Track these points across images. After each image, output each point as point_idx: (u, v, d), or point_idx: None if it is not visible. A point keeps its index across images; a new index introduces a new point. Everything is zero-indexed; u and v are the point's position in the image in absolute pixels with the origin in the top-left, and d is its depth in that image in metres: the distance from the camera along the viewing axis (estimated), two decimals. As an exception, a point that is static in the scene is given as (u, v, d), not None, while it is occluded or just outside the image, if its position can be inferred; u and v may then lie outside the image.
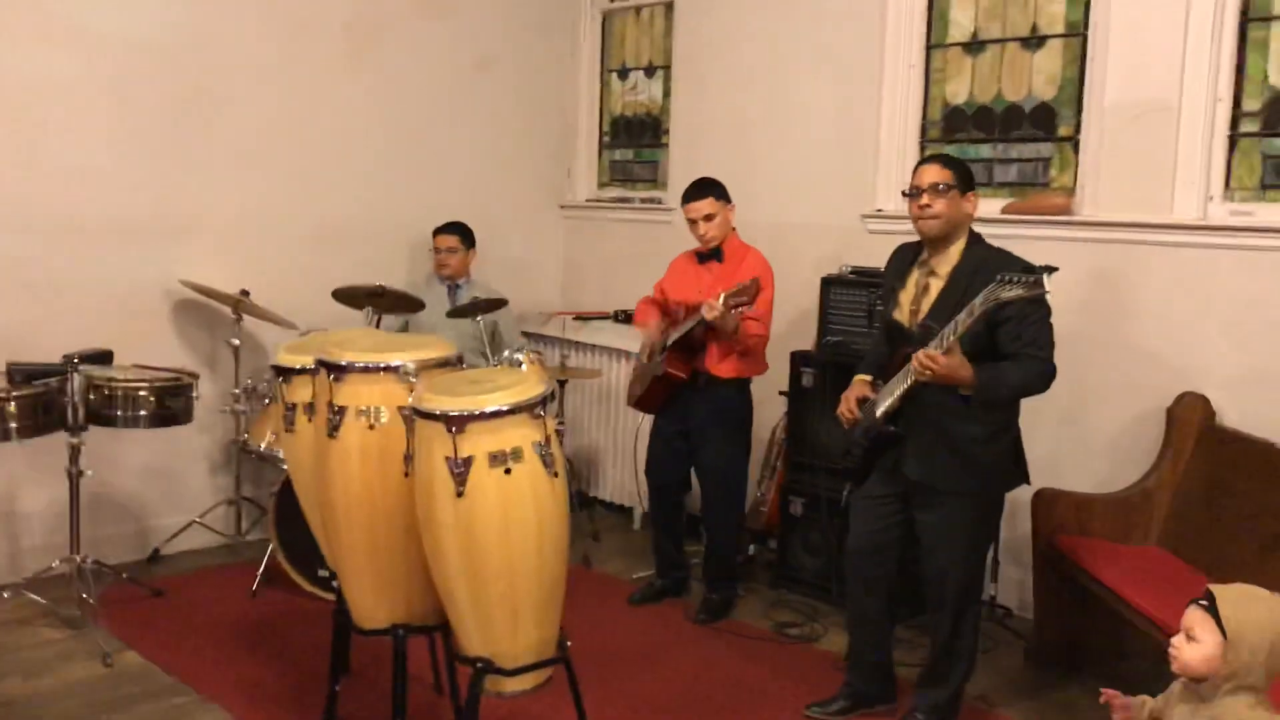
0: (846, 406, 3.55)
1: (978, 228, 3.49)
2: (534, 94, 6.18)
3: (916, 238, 3.54)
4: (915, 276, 3.48)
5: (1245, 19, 4.02)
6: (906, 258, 3.56)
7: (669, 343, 4.36)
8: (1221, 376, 4.01)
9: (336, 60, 5.36)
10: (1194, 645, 2.22)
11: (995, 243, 3.45)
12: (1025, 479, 3.52)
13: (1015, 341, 3.23)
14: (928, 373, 3.12)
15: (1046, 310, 3.27)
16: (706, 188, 4.39)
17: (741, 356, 4.34)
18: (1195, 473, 3.95)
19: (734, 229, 4.46)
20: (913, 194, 3.41)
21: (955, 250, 3.39)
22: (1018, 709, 3.77)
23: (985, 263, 3.25)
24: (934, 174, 3.39)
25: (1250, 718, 2.16)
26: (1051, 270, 2.93)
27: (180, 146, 4.91)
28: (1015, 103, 4.69)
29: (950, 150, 4.84)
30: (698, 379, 4.37)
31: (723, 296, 4.04)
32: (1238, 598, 2.22)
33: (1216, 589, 2.25)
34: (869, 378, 3.57)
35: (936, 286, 3.39)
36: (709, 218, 4.35)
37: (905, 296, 3.49)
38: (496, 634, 2.82)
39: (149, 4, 4.79)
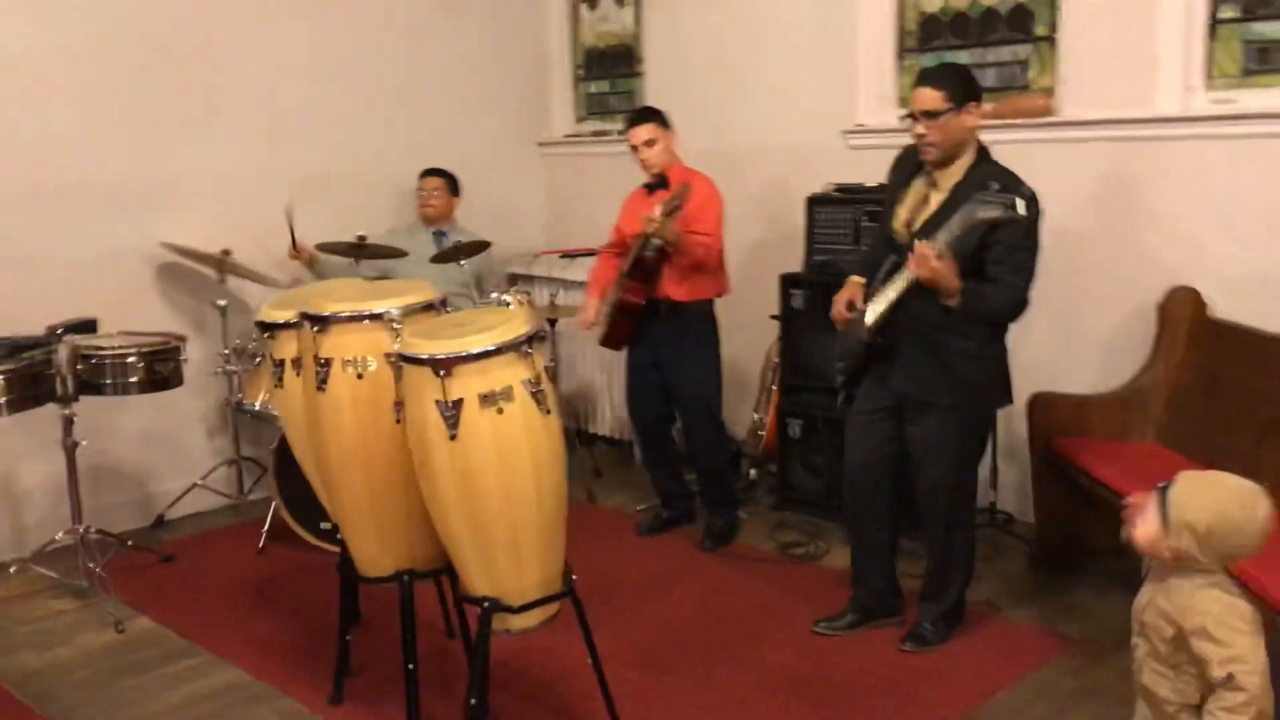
0: (839, 309, 3.53)
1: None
2: (503, 30, 6.08)
3: (903, 145, 3.50)
4: (917, 186, 3.42)
5: (1220, -98, 3.95)
6: (909, 165, 3.48)
7: (624, 272, 4.35)
8: (1211, 268, 3.99)
9: (301, 9, 5.26)
10: (1142, 523, 2.27)
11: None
12: (1009, 399, 3.52)
13: (997, 265, 3.20)
14: (923, 269, 3.08)
15: (1035, 241, 3.24)
16: (646, 114, 4.40)
17: (698, 273, 4.33)
18: (1189, 366, 3.95)
19: (678, 156, 4.43)
20: (911, 119, 3.31)
21: (960, 166, 3.32)
22: (1023, 611, 3.81)
23: (985, 182, 3.16)
24: (926, 99, 3.26)
25: (1212, 598, 2.19)
26: (1029, 194, 2.94)
27: (150, 107, 4.84)
28: (991, 6, 4.62)
29: (928, 59, 4.79)
30: (659, 307, 4.37)
31: (657, 208, 4.07)
32: (1191, 483, 2.24)
33: (1182, 475, 2.28)
34: (862, 279, 3.54)
35: (936, 200, 3.34)
36: (650, 143, 4.33)
37: (903, 207, 3.44)
38: (501, 573, 2.83)
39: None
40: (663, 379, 4.52)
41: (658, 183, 4.41)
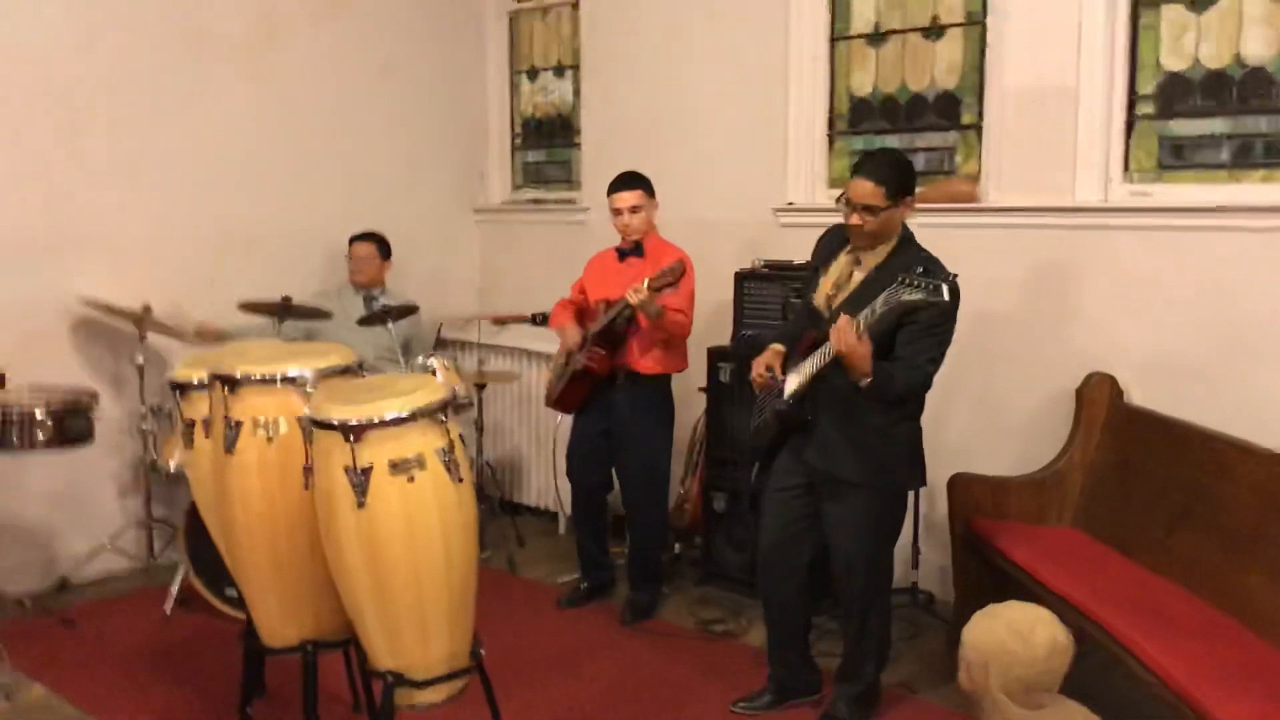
0: (757, 372, 3.52)
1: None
2: (442, 97, 6.11)
3: (832, 224, 3.54)
4: (842, 263, 3.45)
5: (1136, 4, 4.08)
6: (836, 242, 3.51)
7: (590, 336, 4.32)
8: (1127, 355, 4.07)
9: (236, 65, 5.24)
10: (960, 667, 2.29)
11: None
12: (922, 480, 3.53)
13: (907, 346, 3.23)
14: (843, 344, 3.09)
15: (950, 327, 3.27)
16: (635, 180, 4.38)
17: (665, 347, 4.32)
18: (1105, 452, 4.01)
19: (654, 227, 4.44)
20: (846, 205, 3.32)
21: (885, 249, 3.36)
22: (940, 693, 3.79)
23: (909, 265, 3.15)
24: (866, 193, 3.24)
25: None
26: (951, 280, 2.97)
27: (73, 157, 4.76)
28: (919, 92, 4.73)
29: (859, 143, 4.89)
30: (618, 376, 4.34)
31: (647, 281, 4.03)
32: (977, 617, 2.27)
33: (981, 610, 2.30)
34: (782, 348, 3.55)
35: (859, 278, 3.37)
36: (635, 210, 4.33)
37: (827, 281, 3.46)
38: (406, 646, 2.77)
39: (31, 8, 4.62)
40: (611, 448, 4.47)
41: (631, 249, 4.41)
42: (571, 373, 4.40)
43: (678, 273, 4.03)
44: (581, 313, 4.56)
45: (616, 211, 4.36)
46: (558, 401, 4.54)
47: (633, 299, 4.04)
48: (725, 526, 4.75)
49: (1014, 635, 2.17)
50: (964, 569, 4.07)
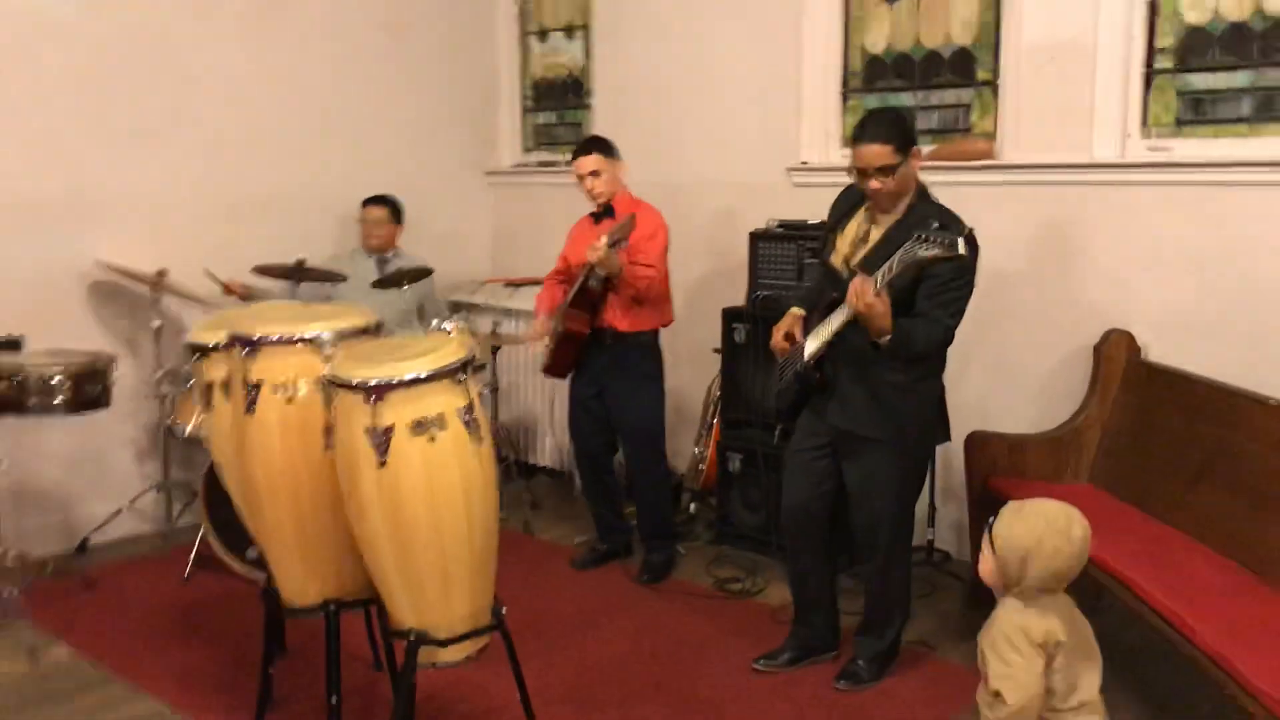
0: (777, 339, 3.53)
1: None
2: (453, 59, 6.07)
3: (847, 183, 3.52)
4: (858, 221, 3.43)
5: (1156, -45, 4.04)
6: (851, 200, 3.49)
7: (568, 301, 4.35)
8: (1146, 312, 4.05)
9: (245, 29, 5.21)
10: (983, 559, 2.46)
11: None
12: (946, 436, 3.53)
13: (928, 300, 3.21)
14: (859, 303, 3.08)
15: (970, 279, 3.25)
16: (591, 144, 4.40)
17: (639, 304, 4.32)
18: (1123, 409, 4.00)
19: (625, 186, 4.44)
20: (859, 174, 3.29)
21: (901, 205, 3.34)
22: (958, 651, 3.80)
23: (926, 220, 3.14)
24: (876, 155, 3.21)
25: (1006, 619, 2.37)
26: (968, 233, 2.96)
27: (89, 123, 4.75)
28: (934, 49, 4.68)
29: (873, 100, 4.84)
30: (603, 335, 4.36)
31: (604, 238, 4.07)
32: (1010, 514, 2.42)
33: (1004, 508, 2.45)
34: (801, 312, 3.55)
35: (876, 236, 3.35)
36: (595, 174, 4.34)
37: (844, 241, 3.44)
38: (428, 605, 2.78)
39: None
40: (606, 408, 4.49)
41: (604, 212, 4.41)
42: (557, 337, 4.42)
43: (628, 227, 4.07)
44: (570, 281, 4.57)
45: (580, 178, 4.39)
46: (549, 367, 4.57)
47: (591, 257, 4.10)
48: (740, 487, 4.76)
49: (1055, 532, 2.33)
50: (981, 527, 4.05)
